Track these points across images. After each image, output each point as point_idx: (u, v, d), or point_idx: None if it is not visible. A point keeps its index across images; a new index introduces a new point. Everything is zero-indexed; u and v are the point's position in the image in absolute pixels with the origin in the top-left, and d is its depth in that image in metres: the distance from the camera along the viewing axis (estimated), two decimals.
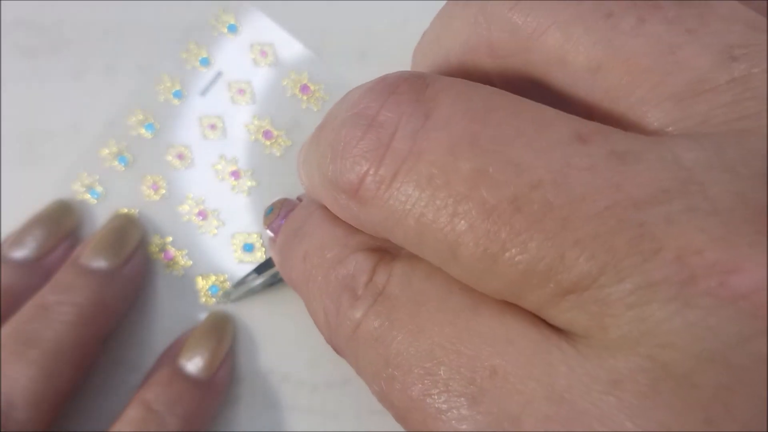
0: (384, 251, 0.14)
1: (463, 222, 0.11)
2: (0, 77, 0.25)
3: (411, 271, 0.13)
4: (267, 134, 0.24)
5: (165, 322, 0.23)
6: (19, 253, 0.22)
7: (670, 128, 0.11)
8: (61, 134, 0.24)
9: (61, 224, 0.23)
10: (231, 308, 0.23)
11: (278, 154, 0.24)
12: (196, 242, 0.23)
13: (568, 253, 0.10)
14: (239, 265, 0.23)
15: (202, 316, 0.23)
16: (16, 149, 0.24)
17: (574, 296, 0.10)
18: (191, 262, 0.23)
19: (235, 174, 0.24)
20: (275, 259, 0.19)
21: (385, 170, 0.12)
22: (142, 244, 0.23)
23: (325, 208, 0.16)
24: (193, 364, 0.21)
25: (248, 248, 0.23)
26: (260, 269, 0.23)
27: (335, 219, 0.16)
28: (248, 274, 0.23)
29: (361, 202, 0.12)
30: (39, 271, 0.22)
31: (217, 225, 0.24)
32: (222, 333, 0.22)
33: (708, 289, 0.09)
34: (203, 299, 0.23)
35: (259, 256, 0.23)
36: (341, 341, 0.14)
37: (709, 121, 0.11)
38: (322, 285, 0.15)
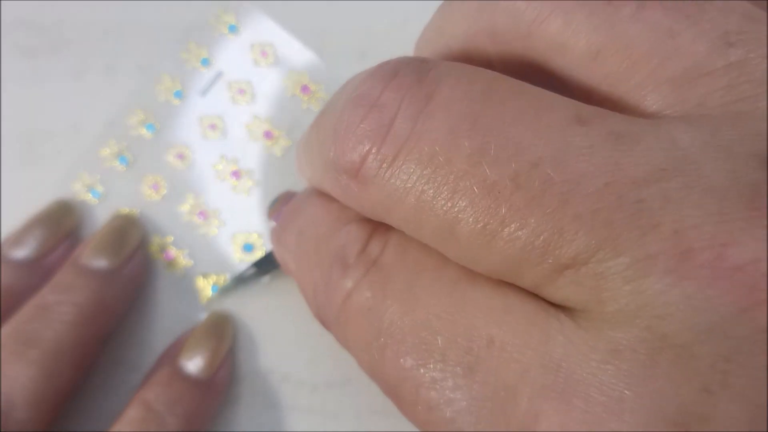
0: (379, 223, 0.14)
1: (463, 198, 0.11)
2: (0, 77, 0.25)
3: (407, 243, 0.13)
4: (267, 134, 0.24)
5: (165, 322, 0.23)
6: (20, 253, 0.22)
7: (668, 111, 0.11)
8: (61, 134, 0.24)
9: (62, 224, 0.23)
10: (231, 308, 0.23)
11: (279, 154, 0.24)
12: (196, 242, 0.23)
13: (568, 227, 0.10)
14: (240, 265, 0.23)
15: (202, 316, 0.23)
16: (16, 149, 0.24)
17: (571, 272, 0.10)
18: (191, 262, 0.23)
19: (236, 174, 0.24)
20: (273, 243, 0.19)
21: (387, 150, 0.12)
22: (143, 244, 0.23)
23: (323, 191, 0.16)
24: (194, 364, 0.21)
25: (248, 248, 0.23)
26: (259, 264, 0.23)
27: (332, 198, 0.16)
28: (247, 269, 0.23)
29: (362, 182, 0.12)
30: (39, 271, 0.22)
31: (217, 225, 0.24)
32: (222, 333, 0.22)
33: (705, 262, 0.10)
34: (204, 299, 0.23)
35: (260, 256, 0.23)
36: (330, 314, 0.14)
37: (705, 104, 0.11)
38: (314, 258, 0.15)
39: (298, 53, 0.25)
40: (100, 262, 0.21)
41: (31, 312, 0.20)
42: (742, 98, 0.11)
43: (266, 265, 0.23)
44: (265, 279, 0.23)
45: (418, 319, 0.12)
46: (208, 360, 0.21)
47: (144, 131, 0.24)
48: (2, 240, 0.22)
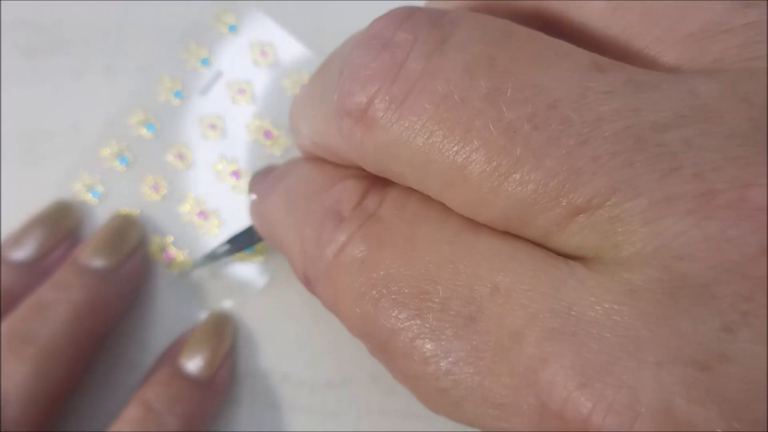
0: (376, 178, 0.14)
1: (477, 138, 0.11)
2: (0, 77, 0.25)
3: (406, 197, 0.13)
4: (267, 134, 0.24)
5: (165, 322, 0.23)
6: (19, 254, 0.22)
7: (686, 66, 0.11)
8: (61, 134, 0.24)
9: (61, 224, 0.23)
10: (231, 308, 0.23)
11: (278, 154, 0.24)
12: (196, 242, 0.23)
13: (585, 169, 0.10)
14: (239, 264, 0.23)
15: (203, 315, 0.23)
16: (16, 149, 0.24)
17: (584, 216, 0.10)
18: (191, 262, 0.23)
19: (236, 174, 0.24)
20: (254, 212, 0.18)
21: (398, 89, 0.11)
22: (142, 243, 0.23)
23: (314, 156, 0.16)
24: (194, 364, 0.21)
25: (248, 248, 0.23)
26: (233, 240, 0.22)
27: (324, 160, 0.15)
28: (219, 245, 0.23)
29: (368, 125, 0.12)
30: (39, 272, 0.22)
31: (217, 225, 0.24)
32: (222, 333, 0.22)
33: (727, 203, 0.10)
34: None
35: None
36: (319, 270, 0.13)
37: (723, 59, 0.11)
38: (303, 214, 0.14)
39: (298, 53, 0.25)
40: (98, 261, 0.21)
41: (29, 310, 0.20)
42: (759, 56, 0.11)
43: (240, 242, 0.22)
44: (232, 250, 0.23)
45: (417, 270, 0.12)
46: (208, 360, 0.21)
47: (144, 131, 0.24)
48: (2, 241, 0.22)
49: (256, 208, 0.18)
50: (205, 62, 0.25)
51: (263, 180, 0.19)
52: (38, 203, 0.23)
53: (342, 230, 0.13)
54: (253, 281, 0.23)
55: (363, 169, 0.14)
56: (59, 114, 0.24)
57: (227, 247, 0.22)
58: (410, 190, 0.13)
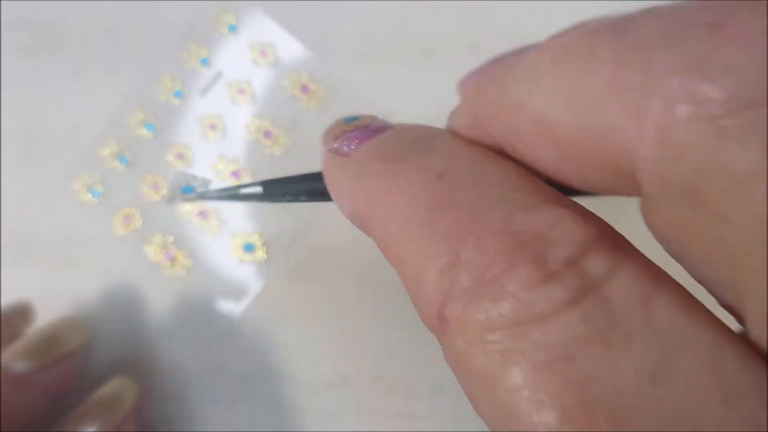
0: (600, 225, 0.09)
1: None
2: (0, 77, 0.25)
3: (653, 285, 0.08)
4: (267, 134, 0.24)
5: (164, 322, 0.23)
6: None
7: None
8: (61, 134, 0.24)
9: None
10: (231, 309, 0.23)
11: (278, 154, 0.24)
12: (196, 242, 0.23)
13: None
14: (239, 264, 0.23)
15: (202, 316, 0.23)
16: (16, 149, 0.24)
17: None
18: (192, 262, 0.23)
19: (235, 174, 0.24)
20: (345, 168, 0.12)
21: None
22: (78, 350, 0.22)
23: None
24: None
25: (248, 248, 0.23)
26: (268, 185, 0.16)
27: (508, 157, 0.11)
28: (247, 184, 0.17)
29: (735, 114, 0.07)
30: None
31: (217, 225, 0.24)
32: (118, 402, 0.21)
33: None
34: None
35: (260, 256, 0.23)
36: (474, 318, 0.09)
37: None
38: (468, 219, 0.09)
39: (298, 53, 0.25)
40: (20, 365, 0.20)
41: None
42: None
43: (278, 190, 0.16)
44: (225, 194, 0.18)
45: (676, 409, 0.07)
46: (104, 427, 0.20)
47: (144, 131, 0.24)
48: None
49: (352, 166, 0.12)
50: (205, 62, 0.25)
51: (360, 132, 0.13)
52: (38, 203, 0.23)
53: (545, 292, 0.08)
54: (252, 281, 0.23)
55: (570, 200, 0.10)
56: (59, 114, 0.24)
57: (257, 190, 0.16)
58: (659, 275, 0.09)
